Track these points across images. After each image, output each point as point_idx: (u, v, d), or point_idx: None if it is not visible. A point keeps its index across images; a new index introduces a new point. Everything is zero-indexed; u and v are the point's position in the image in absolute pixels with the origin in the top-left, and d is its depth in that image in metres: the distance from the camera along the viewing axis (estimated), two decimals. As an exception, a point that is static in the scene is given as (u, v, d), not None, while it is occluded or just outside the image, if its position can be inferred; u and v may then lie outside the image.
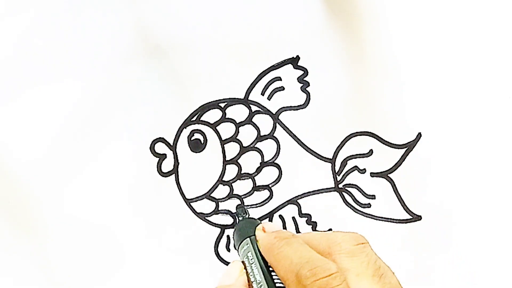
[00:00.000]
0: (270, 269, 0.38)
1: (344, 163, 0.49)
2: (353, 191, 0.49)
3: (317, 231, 0.48)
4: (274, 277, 0.37)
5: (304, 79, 0.49)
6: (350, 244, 0.37)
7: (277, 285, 0.36)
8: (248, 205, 0.49)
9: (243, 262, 0.40)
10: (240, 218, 0.47)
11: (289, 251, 0.36)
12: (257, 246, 0.40)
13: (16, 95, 0.48)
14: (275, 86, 0.49)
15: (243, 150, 0.49)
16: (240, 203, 0.49)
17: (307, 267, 0.34)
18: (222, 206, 0.49)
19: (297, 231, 0.49)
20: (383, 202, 0.49)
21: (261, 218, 0.49)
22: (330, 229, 0.49)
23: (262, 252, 0.39)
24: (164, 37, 0.48)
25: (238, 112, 0.49)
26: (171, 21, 0.48)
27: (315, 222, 0.49)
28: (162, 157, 0.49)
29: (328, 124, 0.49)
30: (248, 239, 0.41)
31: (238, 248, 0.42)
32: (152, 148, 0.49)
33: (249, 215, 0.48)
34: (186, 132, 0.49)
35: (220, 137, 0.49)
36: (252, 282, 0.38)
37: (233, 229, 0.47)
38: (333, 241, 0.37)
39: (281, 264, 0.36)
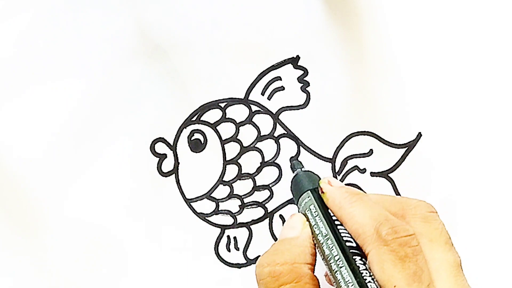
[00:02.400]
0: (336, 222, 0.37)
1: (344, 163, 0.49)
2: (353, 191, 0.49)
3: None
4: (340, 230, 0.37)
5: (304, 79, 0.49)
6: (424, 210, 0.37)
7: (344, 238, 0.36)
8: (248, 205, 0.49)
9: (304, 214, 0.39)
10: (297, 171, 0.45)
11: (364, 207, 0.36)
12: (321, 199, 0.39)
13: (16, 95, 0.48)
14: (275, 86, 0.49)
15: (243, 150, 0.49)
16: (294, 156, 0.48)
17: (387, 224, 0.34)
18: (222, 206, 0.49)
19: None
20: (383, 202, 0.49)
21: (261, 218, 0.49)
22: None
23: (330, 205, 0.38)
24: (164, 37, 0.48)
25: (238, 112, 0.49)
26: (171, 21, 0.48)
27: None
28: (162, 157, 0.49)
29: (328, 124, 0.49)
30: (309, 191, 0.40)
31: (298, 200, 0.41)
32: (152, 148, 0.49)
33: (304, 167, 0.46)
34: (186, 132, 0.49)
35: (220, 137, 0.49)
36: (318, 234, 0.37)
37: (289, 183, 0.46)
38: (407, 204, 0.37)
39: (355, 218, 0.36)
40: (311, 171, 0.45)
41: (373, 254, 0.34)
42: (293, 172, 0.45)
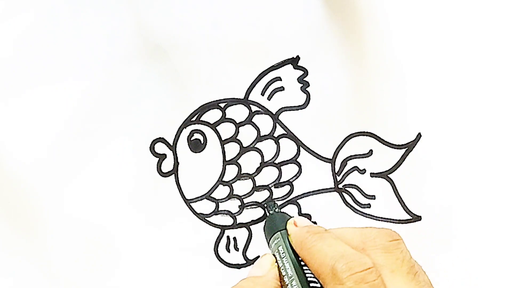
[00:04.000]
0: (302, 263, 0.38)
1: (344, 163, 0.49)
2: (353, 191, 0.49)
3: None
4: (306, 271, 0.37)
5: (304, 79, 0.49)
6: (385, 240, 0.36)
7: (309, 279, 0.36)
8: (247, 204, 0.49)
9: (274, 255, 0.40)
10: (271, 212, 0.47)
11: (322, 245, 0.36)
12: (288, 240, 0.40)
13: (16, 95, 0.48)
14: (275, 86, 0.49)
15: (243, 150, 0.49)
16: (269, 196, 0.49)
17: (343, 261, 0.34)
18: (222, 206, 0.49)
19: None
20: (383, 203, 0.49)
21: (261, 219, 0.49)
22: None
23: (294, 246, 0.39)
24: (164, 37, 0.48)
25: (238, 112, 0.49)
26: (171, 21, 0.48)
27: (315, 222, 0.49)
28: (162, 157, 0.49)
29: (328, 124, 0.49)
30: (279, 233, 0.41)
31: (269, 241, 0.42)
32: (152, 148, 0.49)
33: (279, 209, 0.48)
34: (186, 132, 0.49)
35: (220, 137, 0.49)
36: (284, 276, 0.38)
37: (261, 223, 0.48)
38: (367, 236, 0.36)
39: (314, 258, 0.36)
40: (285, 213, 0.47)
41: None
42: (268, 213, 0.47)
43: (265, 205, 0.49)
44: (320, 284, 0.35)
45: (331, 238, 0.37)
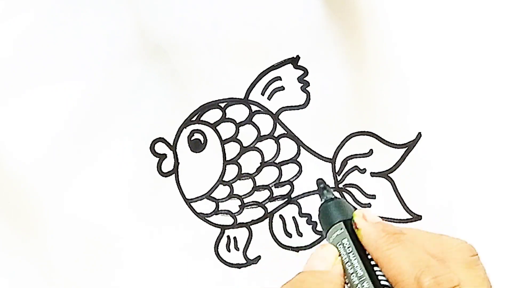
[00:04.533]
0: (372, 263, 0.35)
1: (344, 163, 0.49)
2: (353, 191, 0.49)
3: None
4: (377, 272, 0.34)
5: (304, 79, 0.49)
6: (467, 255, 0.34)
7: (382, 282, 0.34)
8: (248, 204, 0.49)
9: (336, 247, 0.37)
10: (328, 197, 0.41)
11: (403, 251, 0.34)
12: (355, 234, 0.36)
13: (16, 95, 0.48)
14: (275, 86, 0.49)
15: (243, 150, 0.49)
16: (321, 179, 0.46)
17: (429, 274, 0.32)
18: (222, 206, 0.49)
19: (298, 231, 0.49)
20: (383, 202, 0.49)
21: (261, 218, 0.49)
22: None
23: (365, 244, 0.35)
24: (164, 37, 0.48)
25: (238, 112, 0.49)
26: (171, 21, 0.48)
27: (315, 222, 0.49)
28: (162, 157, 0.49)
29: (328, 124, 0.49)
30: (342, 223, 0.37)
31: (329, 230, 0.38)
32: (152, 148, 0.49)
33: (333, 195, 0.42)
34: (186, 132, 0.49)
35: (220, 137, 0.49)
36: (351, 274, 0.35)
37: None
38: (449, 246, 0.35)
39: (393, 263, 0.33)
40: (342, 199, 0.42)
41: None
42: (321, 199, 0.42)
43: (320, 188, 0.44)
44: None
45: (411, 243, 0.35)
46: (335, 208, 0.39)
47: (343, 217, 0.38)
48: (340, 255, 0.36)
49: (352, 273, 0.35)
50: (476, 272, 0.34)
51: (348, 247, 0.36)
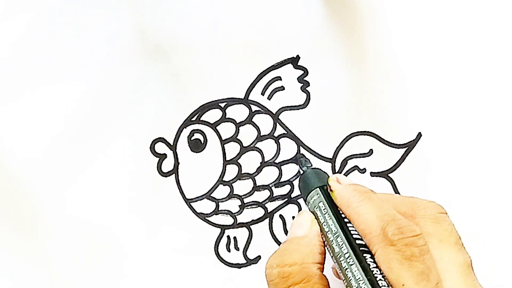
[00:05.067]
0: (346, 220, 0.38)
1: (344, 163, 0.49)
2: (353, 191, 0.49)
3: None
4: (350, 228, 0.37)
5: (304, 79, 0.49)
6: (435, 211, 0.37)
7: (354, 236, 0.37)
8: (248, 204, 0.49)
9: (313, 212, 0.40)
10: (304, 168, 0.46)
11: (371, 206, 0.37)
12: (330, 197, 0.39)
13: (16, 95, 0.48)
14: (275, 86, 0.49)
15: (243, 150, 0.49)
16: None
17: (394, 224, 0.35)
18: (222, 206, 0.49)
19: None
20: (383, 202, 0.49)
21: (261, 218, 0.49)
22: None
23: (338, 203, 0.39)
24: (164, 37, 0.48)
25: (238, 112, 0.49)
26: (171, 21, 0.48)
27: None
28: (162, 157, 0.49)
29: (328, 124, 0.49)
30: (318, 189, 0.40)
31: (307, 197, 0.41)
32: (152, 148, 0.49)
33: (312, 165, 0.47)
34: (186, 132, 0.49)
35: (220, 137, 0.49)
36: (327, 232, 0.38)
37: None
38: (417, 205, 0.38)
39: (362, 217, 0.36)
40: (319, 169, 0.46)
41: (379, 254, 0.35)
42: (301, 169, 0.46)
43: (298, 161, 0.48)
44: (365, 242, 0.36)
45: (379, 200, 0.37)
46: (312, 177, 0.42)
47: (320, 184, 0.41)
48: (317, 217, 0.39)
49: (328, 231, 0.38)
50: (443, 226, 0.37)
51: (324, 209, 0.39)
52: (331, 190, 0.40)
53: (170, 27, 0.48)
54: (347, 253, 0.36)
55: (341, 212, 0.38)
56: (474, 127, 0.48)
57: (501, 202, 0.48)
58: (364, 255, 0.35)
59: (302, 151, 0.49)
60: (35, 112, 0.48)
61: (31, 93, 0.48)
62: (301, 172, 0.47)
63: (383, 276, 0.34)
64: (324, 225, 0.38)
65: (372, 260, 0.35)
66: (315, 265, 0.37)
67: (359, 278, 0.35)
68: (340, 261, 0.36)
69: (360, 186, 0.39)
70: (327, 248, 0.38)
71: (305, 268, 0.36)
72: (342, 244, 0.36)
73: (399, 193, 0.49)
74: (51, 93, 0.48)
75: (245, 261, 0.49)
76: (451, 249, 0.36)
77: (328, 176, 0.41)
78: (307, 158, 0.48)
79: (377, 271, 0.34)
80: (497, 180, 0.48)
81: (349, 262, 0.35)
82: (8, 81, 0.48)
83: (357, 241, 0.36)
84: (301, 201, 0.49)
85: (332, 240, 0.37)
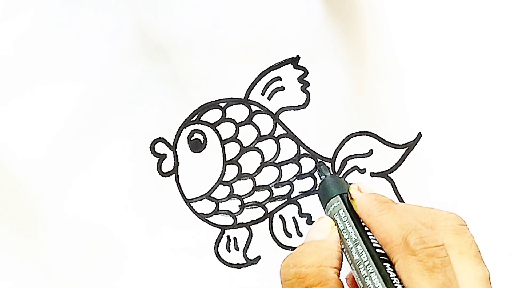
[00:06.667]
0: (366, 229, 0.38)
1: (344, 163, 0.49)
2: (353, 191, 0.49)
3: None
4: (370, 237, 0.37)
5: (304, 79, 0.49)
6: (455, 223, 0.37)
7: (374, 244, 0.36)
8: (248, 204, 0.49)
9: (333, 218, 0.40)
10: (325, 176, 0.46)
11: (393, 215, 0.36)
12: (351, 205, 0.39)
13: (16, 95, 0.48)
14: (275, 86, 0.49)
15: (243, 150, 0.49)
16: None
17: (416, 234, 0.34)
18: (222, 206, 0.49)
19: (298, 231, 0.49)
20: (383, 202, 0.49)
21: (261, 219, 0.49)
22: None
23: (359, 212, 0.39)
24: (164, 37, 0.48)
25: (238, 112, 0.49)
26: (171, 21, 0.48)
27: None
28: (162, 157, 0.49)
29: (328, 124, 0.49)
30: (338, 196, 0.41)
31: (327, 204, 0.41)
32: (152, 148, 0.49)
33: (331, 172, 0.48)
34: (186, 132, 0.49)
35: (220, 137, 0.49)
36: (346, 239, 0.38)
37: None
38: (438, 216, 0.37)
39: (383, 226, 0.36)
40: (339, 176, 0.46)
41: (400, 263, 0.34)
42: (320, 177, 0.47)
43: (318, 169, 0.48)
44: (385, 251, 0.36)
45: (400, 209, 0.37)
46: (332, 184, 0.42)
47: (340, 191, 0.41)
48: (336, 224, 0.39)
49: (347, 238, 0.38)
50: (464, 238, 0.36)
51: (344, 216, 0.39)
52: (352, 198, 0.39)
53: (170, 27, 0.48)
54: (366, 261, 0.36)
55: (361, 220, 0.38)
56: (474, 127, 0.48)
57: (501, 202, 0.48)
58: (384, 264, 0.35)
59: (302, 151, 0.49)
60: (35, 112, 0.48)
61: (31, 92, 0.48)
62: (320, 179, 0.47)
63: (402, 286, 0.34)
64: (344, 232, 0.38)
65: (392, 270, 0.35)
66: (332, 269, 0.36)
67: (378, 286, 0.34)
68: (359, 268, 0.36)
69: (381, 196, 0.39)
70: (345, 255, 0.38)
71: (322, 271, 0.36)
72: (362, 252, 0.36)
73: (399, 194, 0.49)
74: (51, 92, 0.48)
75: (245, 261, 0.49)
76: (471, 262, 0.35)
77: (349, 184, 0.41)
78: (326, 166, 0.48)
79: (397, 280, 0.34)
80: (497, 180, 0.48)
81: (368, 270, 0.35)
82: (8, 81, 0.48)
83: (377, 250, 0.36)
84: (301, 201, 0.49)
85: (352, 248, 0.37)
